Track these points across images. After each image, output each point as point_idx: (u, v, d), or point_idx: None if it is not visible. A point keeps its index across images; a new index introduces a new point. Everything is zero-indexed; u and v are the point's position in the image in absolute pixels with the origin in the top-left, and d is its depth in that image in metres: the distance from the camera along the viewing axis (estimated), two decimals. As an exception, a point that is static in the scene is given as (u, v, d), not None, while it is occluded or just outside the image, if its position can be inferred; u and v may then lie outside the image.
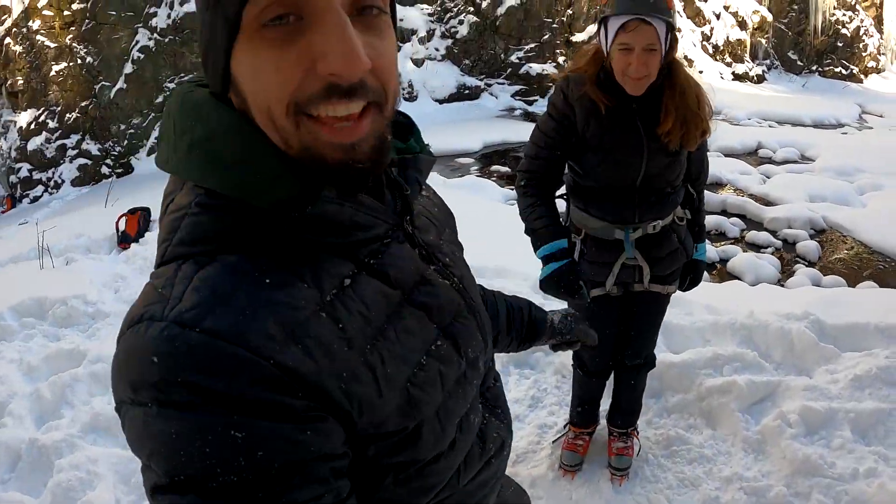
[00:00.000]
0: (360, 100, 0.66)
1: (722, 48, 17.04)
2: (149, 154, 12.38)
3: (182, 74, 12.40)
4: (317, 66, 0.63)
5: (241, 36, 0.66)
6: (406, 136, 0.87)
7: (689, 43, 16.11)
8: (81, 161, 12.37)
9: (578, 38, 14.89)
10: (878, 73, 19.36)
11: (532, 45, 14.35)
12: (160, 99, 12.45)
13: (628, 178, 2.22)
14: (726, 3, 17.10)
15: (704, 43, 16.74)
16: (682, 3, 16.29)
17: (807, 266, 5.77)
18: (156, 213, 7.15)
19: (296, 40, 0.64)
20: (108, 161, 12.43)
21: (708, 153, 2.52)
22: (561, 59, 14.45)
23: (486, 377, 0.98)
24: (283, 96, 0.65)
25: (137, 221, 7.24)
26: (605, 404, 2.89)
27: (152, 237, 6.90)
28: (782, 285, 5.25)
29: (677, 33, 2.12)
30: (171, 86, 12.33)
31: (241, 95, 0.69)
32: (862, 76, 18.45)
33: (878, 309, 3.87)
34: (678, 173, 2.29)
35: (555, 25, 14.60)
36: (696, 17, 16.62)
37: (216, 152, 0.69)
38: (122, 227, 7.12)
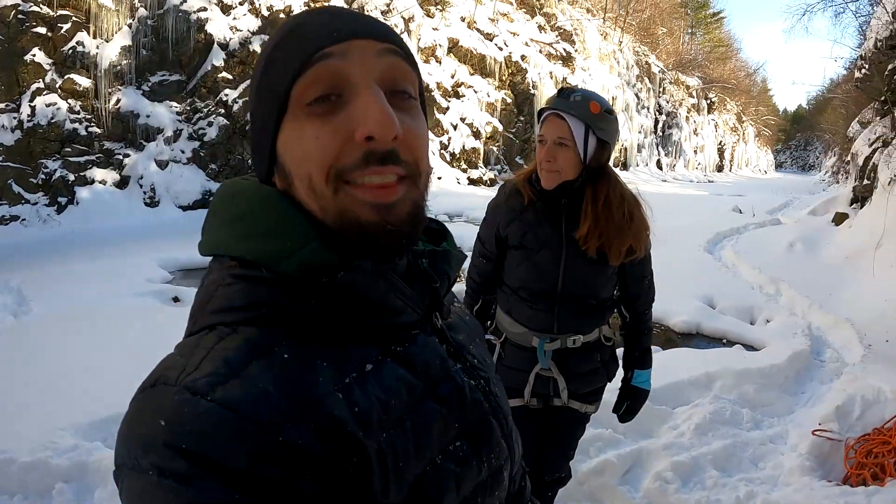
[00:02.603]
0: (394, 168, 0.69)
1: (458, 156, 18.78)
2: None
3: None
4: (355, 134, 0.68)
5: (287, 115, 0.71)
6: (439, 241, 0.90)
7: (429, 151, 17.42)
8: None
9: None
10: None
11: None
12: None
13: (547, 281, 2.17)
14: (462, 115, 18.88)
15: (443, 151, 18.25)
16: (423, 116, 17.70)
17: None
18: None
19: (336, 113, 0.69)
20: None
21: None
22: None
23: (518, 498, 0.96)
24: (324, 164, 0.68)
25: None
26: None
27: None
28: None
29: (608, 141, 2.14)
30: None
31: (285, 172, 0.73)
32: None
33: (680, 366, 4.57)
34: (603, 286, 2.24)
35: None
36: (436, 127, 18.19)
37: (252, 224, 0.72)
38: None
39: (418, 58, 17.77)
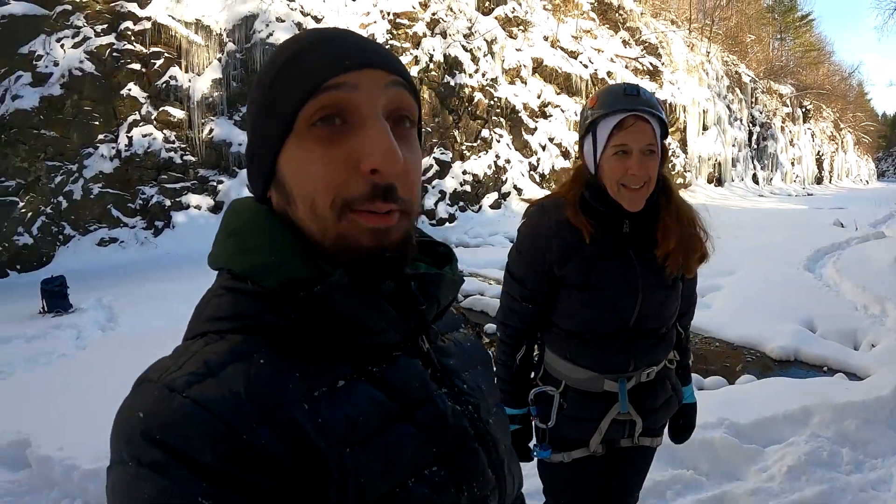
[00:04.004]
0: (392, 205, 0.72)
1: (548, 176, 18.43)
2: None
3: (2, 179, 11.11)
4: (361, 165, 0.71)
5: (291, 135, 0.74)
6: (443, 264, 0.91)
7: (517, 173, 17.28)
8: None
9: None
10: (686, 188, 21.68)
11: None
12: (-29, 204, 11.05)
13: (620, 319, 1.86)
14: (550, 135, 18.57)
15: (532, 173, 18.00)
16: (511, 137, 17.57)
17: None
18: None
19: (342, 140, 0.72)
20: None
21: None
22: None
23: None
24: (330, 190, 0.71)
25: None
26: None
27: None
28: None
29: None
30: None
31: (284, 190, 0.76)
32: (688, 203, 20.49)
33: (774, 398, 4.16)
34: (674, 310, 1.98)
35: None
36: (524, 148, 17.94)
37: (243, 240, 0.76)
38: None
39: (502, 79, 17.76)
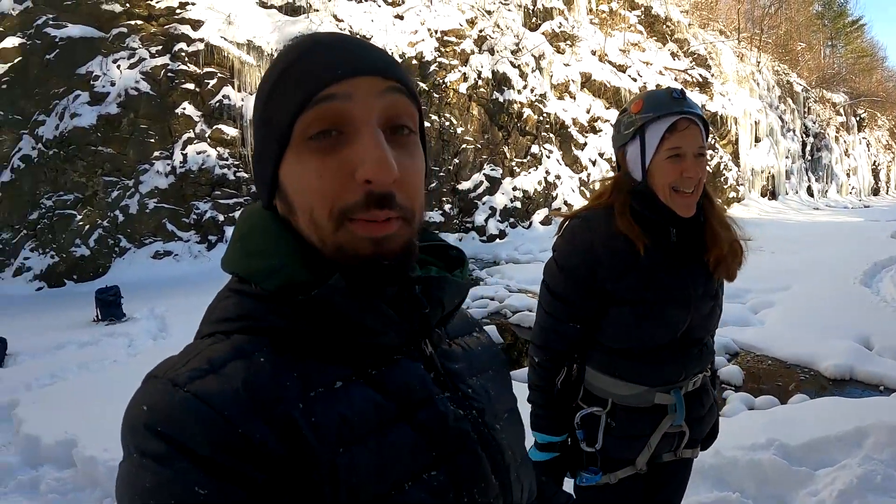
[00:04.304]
0: (389, 212, 0.72)
1: None
2: (15, 275, 11.19)
3: (61, 193, 11.59)
4: (355, 174, 0.71)
5: (289, 148, 0.75)
6: (454, 268, 0.90)
7: (568, 189, 17.16)
8: (-64, 271, 10.97)
9: (464, 186, 15.59)
10: (738, 201, 21.24)
11: (419, 192, 14.73)
12: (34, 216, 11.46)
13: (672, 333, 1.81)
14: (600, 150, 18.45)
15: (582, 188, 17.88)
16: (561, 152, 17.47)
17: (735, 391, 5.78)
18: (13, 346, 7.04)
19: (337, 151, 0.73)
20: (-33, 275, 11.06)
21: None
22: (447, 207, 14.97)
23: None
24: (326, 200, 0.72)
25: (-13, 352, 6.43)
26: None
27: (6, 375, 6.25)
28: (719, 415, 5.20)
29: None
30: (48, 203, 11.53)
31: (287, 200, 0.77)
32: (725, 206, 20.07)
33: (826, 419, 4.01)
34: (718, 318, 1.95)
35: (441, 174, 15.18)
36: (574, 164, 17.83)
37: (248, 244, 0.79)
38: (-31, 355, 6.28)
39: (551, 94, 17.70)
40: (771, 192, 26.68)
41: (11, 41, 11.66)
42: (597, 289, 1.80)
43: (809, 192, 31.68)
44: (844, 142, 37.97)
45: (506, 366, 1.02)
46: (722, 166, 20.88)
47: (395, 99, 0.76)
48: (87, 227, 11.69)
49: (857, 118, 40.80)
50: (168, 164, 12.45)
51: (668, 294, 1.78)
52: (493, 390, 0.91)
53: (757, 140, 25.66)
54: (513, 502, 0.85)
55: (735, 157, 22.44)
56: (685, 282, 1.80)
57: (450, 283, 0.84)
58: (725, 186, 20.81)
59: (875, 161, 43.71)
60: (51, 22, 11.84)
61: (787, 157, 29.28)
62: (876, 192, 43.08)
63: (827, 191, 34.13)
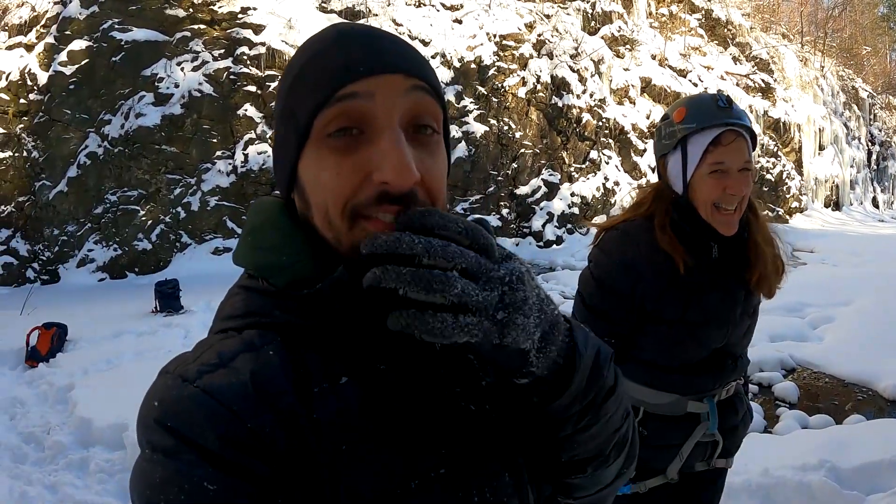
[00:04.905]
0: (398, 207, 0.70)
1: None
2: (79, 266, 11.61)
3: (125, 189, 11.99)
4: (372, 176, 0.70)
5: (308, 143, 0.74)
6: None
7: (627, 195, 16.92)
8: (6, 259, 11.43)
9: (522, 190, 15.45)
10: (801, 212, 20.65)
11: (477, 197, 14.62)
12: (98, 210, 11.88)
13: (707, 351, 1.78)
14: (661, 157, 18.05)
15: None
16: (620, 158, 17.22)
17: (789, 409, 5.61)
18: (73, 332, 7.26)
19: (355, 149, 0.71)
20: (34, 265, 11.53)
21: None
22: (504, 212, 14.86)
23: None
24: (340, 199, 0.71)
25: (51, 338, 6.69)
26: None
27: (65, 360, 6.44)
28: (770, 432, 5.08)
29: None
30: (113, 198, 11.85)
31: (303, 195, 0.77)
32: (787, 216, 19.59)
33: (882, 442, 3.83)
34: (752, 334, 1.92)
35: (500, 178, 15.07)
36: (633, 171, 17.51)
37: (258, 239, 0.78)
38: (32, 341, 6.54)
39: (610, 99, 17.48)
40: (834, 203, 25.84)
41: (79, 44, 12.10)
42: (636, 306, 1.74)
43: (874, 203, 30.62)
44: (912, 150, 36.69)
45: None
46: (785, 175, 20.30)
47: (418, 98, 0.74)
48: (150, 222, 12.04)
49: (926, 126, 39.40)
50: (229, 164, 12.71)
51: (709, 315, 1.73)
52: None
53: (821, 148, 24.88)
54: (529, 501, 0.81)
55: (798, 165, 21.80)
56: (726, 304, 1.74)
57: None
58: (788, 196, 20.25)
59: (944, 171, 42.16)
60: (116, 26, 12.27)
61: (851, 167, 28.34)
62: (945, 203, 41.53)
63: (893, 202, 32.97)
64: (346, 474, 0.68)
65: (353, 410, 0.71)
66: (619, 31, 18.57)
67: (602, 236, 1.85)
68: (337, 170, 0.71)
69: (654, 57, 19.44)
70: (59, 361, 6.36)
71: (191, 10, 12.81)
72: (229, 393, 0.66)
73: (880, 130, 33.10)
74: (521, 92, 15.61)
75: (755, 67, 22.58)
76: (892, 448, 3.66)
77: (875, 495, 3.25)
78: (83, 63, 12.09)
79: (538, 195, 15.72)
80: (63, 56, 12.05)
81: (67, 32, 12.19)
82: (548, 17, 17.28)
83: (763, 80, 22.07)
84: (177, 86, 12.39)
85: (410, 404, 0.74)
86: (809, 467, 3.43)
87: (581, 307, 1.84)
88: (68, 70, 11.98)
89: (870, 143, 31.42)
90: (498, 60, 15.44)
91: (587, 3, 18.54)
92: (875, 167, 31.80)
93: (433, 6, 15.57)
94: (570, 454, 0.81)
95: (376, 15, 14.46)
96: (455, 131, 14.08)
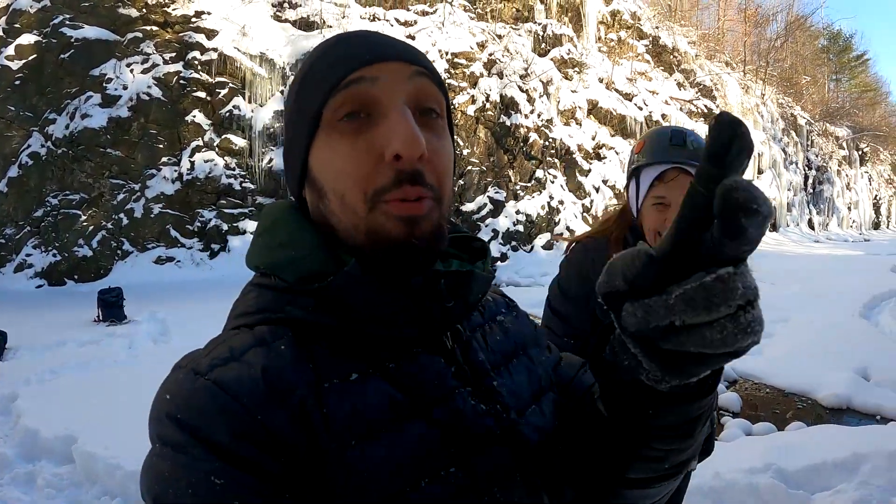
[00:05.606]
0: (420, 189, 0.72)
1: (601, 219, 18.24)
2: (16, 271, 11.25)
3: (67, 192, 11.67)
4: (385, 154, 0.71)
5: (319, 132, 0.75)
6: (476, 260, 0.88)
7: (570, 214, 17.27)
8: (-63, 261, 10.97)
9: (468, 207, 15.65)
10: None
11: (421, 213, 14.77)
12: (39, 213, 11.52)
13: None
14: (604, 177, 18.59)
15: (585, 214, 17.99)
16: (565, 178, 17.59)
17: (732, 417, 5.80)
18: (13, 340, 7.07)
19: (365, 132, 0.73)
20: (-32, 269, 11.08)
21: None
22: None
23: None
24: (358, 183, 0.72)
25: (-14, 345, 6.46)
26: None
27: (5, 369, 6.27)
28: (716, 439, 5.23)
29: None
30: (54, 201, 11.59)
31: (316, 186, 0.77)
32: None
33: (824, 445, 4.03)
34: None
35: None
36: (578, 190, 17.92)
37: (270, 238, 0.79)
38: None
39: (557, 120, 17.83)
40: (772, 225, 26.78)
41: (28, 38, 11.84)
42: (591, 310, 1.87)
43: (810, 224, 31.80)
44: (846, 175, 38.18)
45: (542, 335, 1.01)
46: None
47: (422, 83, 0.76)
48: (91, 227, 11.79)
49: (860, 152, 41.09)
50: (175, 171, 12.55)
51: None
52: (525, 377, 0.88)
53: (760, 172, 25.81)
54: (541, 502, 0.80)
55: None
56: None
57: (476, 279, 0.82)
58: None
59: (876, 195, 43.95)
60: (67, 22, 12.03)
61: (789, 190, 29.43)
62: (877, 226, 43.25)
63: (828, 224, 34.26)
64: (356, 471, 0.67)
65: (364, 408, 0.70)
66: (568, 54, 19.01)
67: (570, 248, 2.03)
68: (351, 154, 0.72)
69: (601, 80, 19.93)
70: (1, 370, 6.22)
71: (144, 10, 12.63)
72: (240, 387, 0.66)
73: (817, 156, 34.39)
74: (471, 110, 15.87)
75: (699, 93, 23.34)
76: (834, 450, 3.87)
77: (820, 494, 3.44)
78: (31, 58, 11.82)
79: (484, 212, 15.97)
80: (10, 50, 11.77)
81: (17, 25, 11.91)
82: (500, 37, 17.60)
83: (706, 106, 22.83)
84: (125, 87, 12.21)
85: (418, 403, 0.74)
86: (757, 470, 3.58)
87: (547, 309, 2.02)
88: (14, 65, 11.72)
89: (807, 168, 32.64)
90: (448, 78, 15.66)
91: (538, 25, 18.96)
92: (811, 191, 33.04)
93: (387, 21, 15.73)
94: (645, 471, 0.79)
95: (330, 27, 14.51)
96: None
